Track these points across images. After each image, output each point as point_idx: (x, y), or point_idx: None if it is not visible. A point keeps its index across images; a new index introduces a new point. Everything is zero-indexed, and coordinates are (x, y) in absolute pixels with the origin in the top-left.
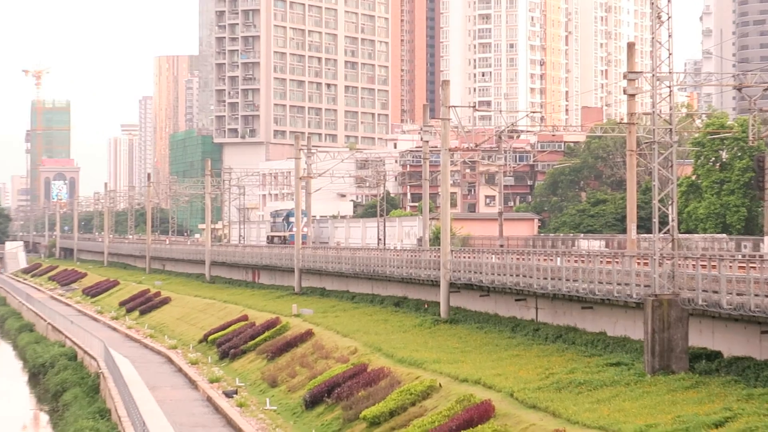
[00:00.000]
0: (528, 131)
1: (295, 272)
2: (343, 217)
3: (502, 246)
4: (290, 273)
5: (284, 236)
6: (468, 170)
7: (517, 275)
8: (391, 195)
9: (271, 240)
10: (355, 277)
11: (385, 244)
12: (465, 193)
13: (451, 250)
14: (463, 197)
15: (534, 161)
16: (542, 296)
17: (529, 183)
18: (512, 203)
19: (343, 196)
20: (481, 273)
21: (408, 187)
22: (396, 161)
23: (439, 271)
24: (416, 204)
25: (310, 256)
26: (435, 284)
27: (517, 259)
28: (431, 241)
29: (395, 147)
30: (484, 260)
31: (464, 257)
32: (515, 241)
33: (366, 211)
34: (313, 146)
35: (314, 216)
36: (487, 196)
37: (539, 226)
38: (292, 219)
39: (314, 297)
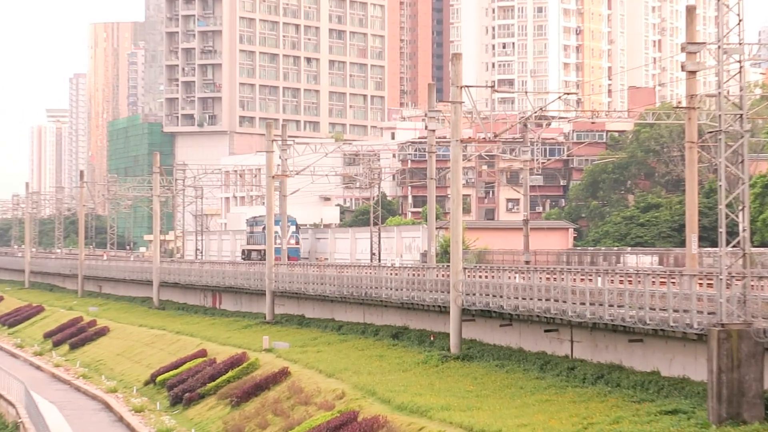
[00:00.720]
0: (561, 118)
1: (266, 296)
2: (327, 226)
3: (528, 263)
4: (260, 297)
5: (265, 250)
6: (485, 167)
7: (547, 300)
8: (388, 198)
9: (247, 255)
10: (342, 301)
11: (380, 259)
12: (481, 196)
13: (464, 268)
14: (479, 201)
15: (568, 155)
16: (579, 326)
17: (562, 183)
18: (541, 208)
19: (328, 199)
20: (501, 297)
21: (409, 188)
22: (394, 155)
23: (448, 295)
24: (419, 210)
25: (285, 276)
26: (443, 311)
27: (547, 279)
28: (438, 256)
29: (393, 137)
30: (506, 280)
31: (480, 277)
32: (544, 256)
33: (356, 218)
34: (290, 137)
35: (305, 225)
36: (509, 200)
37: (575, 238)
38: (276, 228)
39: (291, 327)
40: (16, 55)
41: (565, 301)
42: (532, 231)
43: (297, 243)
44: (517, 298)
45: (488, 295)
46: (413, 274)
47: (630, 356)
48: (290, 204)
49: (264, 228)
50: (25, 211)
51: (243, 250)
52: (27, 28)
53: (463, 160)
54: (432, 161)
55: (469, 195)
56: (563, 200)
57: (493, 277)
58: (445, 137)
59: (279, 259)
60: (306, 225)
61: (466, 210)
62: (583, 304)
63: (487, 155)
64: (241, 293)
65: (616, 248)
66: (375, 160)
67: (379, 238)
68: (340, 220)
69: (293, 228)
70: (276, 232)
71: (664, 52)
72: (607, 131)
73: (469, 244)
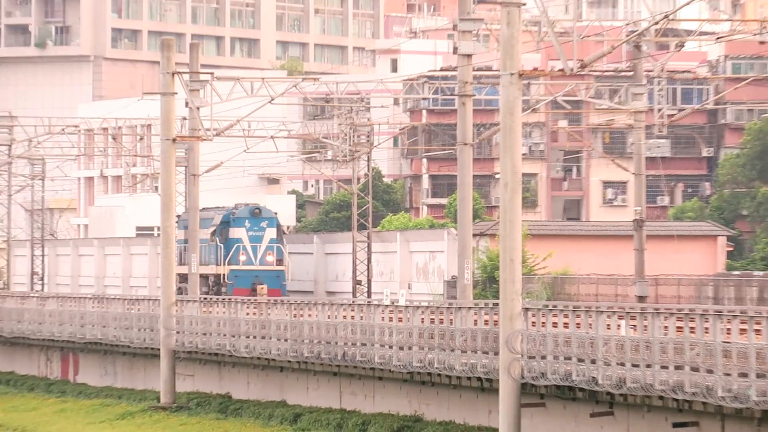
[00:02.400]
0: (703, 34)
1: (161, 360)
2: None
3: (642, 299)
4: (152, 361)
5: (221, 274)
6: (564, 123)
7: (678, 368)
8: (385, 180)
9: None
10: (300, 369)
11: (370, 290)
12: (557, 177)
13: (525, 309)
14: (553, 185)
15: (717, 103)
16: (737, 417)
17: (705, 153)
18: (667, 199)
19: (275, 182)
20: (594, 362)
21: (424, 162)
22: (396, 102)
23: (491, 356)
24: (442, 201)
25: (196, 322)
26: (487, 387)
27: (678, 330)
28: (479, 285)
29: (394, 69)
30: (600, 332)
31: (555, 325)
32: (674, 288)
33: (326, 216)
34: (205, 67)
35: (288, 226)
36: (607, 184)
37: (730, 252)
38: (239, 230)
39: (206, 418)
40: None
41: (711, 371)
42: (652, 241)
43: (278, 262)
44: (622, 364)
45: (569, 358)
46: (432, 319)
47: None
48: (206, 191)
49: (217, 231)
50: None
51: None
52: None
53: (525, 109)
54: (465, 112)
55: (534, 175)
56: (708, 184)
57: (578, 325)
58: (490, 68)
59: (245, 292)
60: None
61: (530, 202)
62: (744, 375)
63: (567, 101)
64: (115, 355)
65: None
66: (362, 110)
67: (370, 251)
68: (298, 220)
69: (270, 232)
70: (236, 242)
71: None
72: None
73: (535, 263)
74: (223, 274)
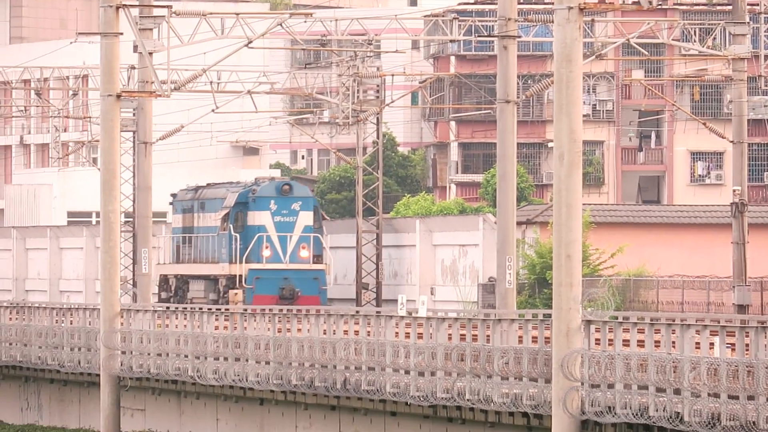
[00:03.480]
0: None
1: (101, 390)
2: None
3: (744, 309)
4: (88, 390)
5: (237, 276)
6: (639, 72)
7: None
8: (400, 150)
9: (170, 287)
10: (286, 402)
11: (379, 297)
12: (629, 146)
13: (586, 321)
14: (623, 157)
15: None
16: None
17: None
18: None
19: (254, 151)
20: (677, 391)
21: (452, 126)
22: (416, 45)
23: (541, 385)
24: (477, 178)
25: (146, 340)
26: (529, 426)
27: None
28: (525, 287)
29: (413, 2)
30: (685, 353)
31: (625, 342)
32: None
33: (321, 198)
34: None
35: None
36: (696, 155)
37: None
38: (262, 215)
39: None
40: None
41: None
42: (757, 231)
43: (316, 258)
44: (716, 395)
45: (645, 387)
46: (463, 335)
47: None
48: (162, 164)
49: (227, 217)
50: None
51: (162, 279)
52: None
53: (588, 55)
54: (508, 59)
55: (600, 143)
56: None
57: (657, 343)
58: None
59: (270, 299)
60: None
61: (595, 179)
62: None
63: (644, 45)
64: (39, 382)
65: None
66: (370, 56)
67: (380, 245)
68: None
69: (305, 217)
70: (257, 230)
71: None
72: None
73: (600, 260)
74: (240, 276)
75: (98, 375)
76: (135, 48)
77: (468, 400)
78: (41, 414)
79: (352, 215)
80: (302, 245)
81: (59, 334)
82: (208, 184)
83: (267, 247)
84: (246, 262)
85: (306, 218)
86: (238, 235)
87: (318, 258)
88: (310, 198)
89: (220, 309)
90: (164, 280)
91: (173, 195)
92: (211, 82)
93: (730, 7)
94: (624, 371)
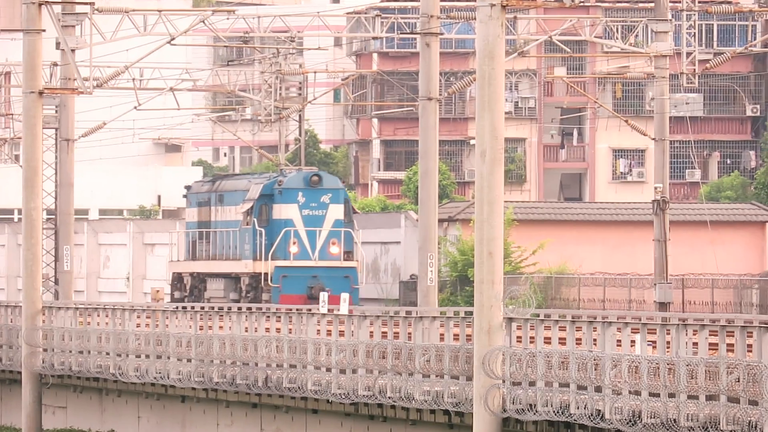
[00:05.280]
0: None
1: (23, 387)
2: (174, 212)
3: (665, 306)
4: (10, 388)
5: (262, 274)
6: (561, 69)
7: (713, 399)
8: (323, 147)
9: (185, 286)
10: (208, 400)
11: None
12: (551, 143)
13: (508, 318)
14: (545, 154)
15: (766, 44)
16: None
17: (749, 112)
18: (698, 172)
19: (176, 148)
20: (598, 388)
21: (374, 123)
22: (338, 43)
23: (463, 382)
24: (399, 175)
25: (67, 337)
26: (450, 424)
27: (712, 349)
28: (447, 285)
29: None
30: (606, 350)
31: (546, 340)
32: (706, 292)
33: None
34: None
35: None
36: (618, 152)
37: None
38: (289, 208)
39: None
40: None
41: (755, 402)
42: (678, 228)
43: (347, 255)
44: (637, 392)
45: (566, 385)
46: (384, 333)
47: None
48: (84, 161)
49: (250, 210)
50: None
51: (175, 277)
52: None
53: (511, 52)
54: (430, 56)
55: (522, 140)
56: (752, 153)
57: (579, 341)
58: None
59: (297, 299)
60: (123, 211)
61: (516, 176)
62: None
63: (567, 42)
64: None
65: None
66: (292, 53)
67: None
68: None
69: (335, 210)
70: (284, 224)
71: None
72: None
73: (522, 258)
74: (265, 274)
75: (20, 372)
76: (57, 45)
77: (389, 397)
78: None
79: None
80: (332, 241)
81: None
82: (226, 175)
83: (294, 243)
84: (272, 259)
85: (336, 212)
86: (263, 230)
87: (349, 254)
88: (341, 190)
89: (142, 307)
90: (178, 278)
91: (187, 187)
92: (133, 79)
93: (653, 5)
94: (545, 369)
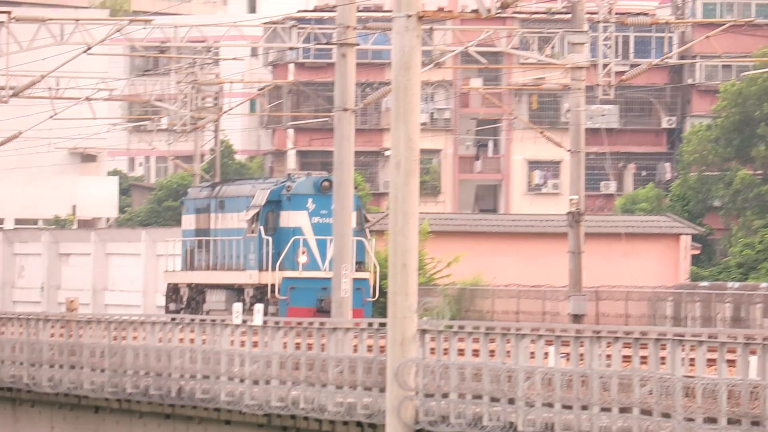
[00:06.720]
0: None
1: None
2: (88, 222)
3: (579, 319)
4: None
5: (268, 285)
6: (477, 80)
7: (626, 411)
8: (238, 157)
9: (182, 299)
10: (121, 410)
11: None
12: (466, 155)
13: (422, 330)
14: (461, 166)
15: (681, 56)
16: None
17: (665, 124)
18: (613, 185)
19: (91, 158)
20: (511, 400)
21: (290, 135)
22: (254, 53)
23: (376, 394)
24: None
25: None
26: None
27: (625, 361)
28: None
29: (252, 10)
30: (520, 362)
31: (460, 351)
32: (620, 304)
33: (158, 206)
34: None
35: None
36: (533, 164)
37: (696, 257)
38: (298, 215)
39: None
40: None
41: (667, 414)
42: (593, 241)
43: (359, 266)
44: (550, 404)
45: (480, 396)
46: (298, 344)
47: None
48: None
49: (256, 218)
50: None
51: (170, 288)
52: None
53: (427, 63)
54: (346, 67)
55: (437, 152)
56: (668, 165)
57: (492, 353)
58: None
59: (307, 312)
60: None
61: (431, 188)
62: (713, 420)
63: (482, 53)
64: None
65: None
66: (208, 63)
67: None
68: (122, 210)
69: (352, 219)
70: (293, 233)
71: None
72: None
73: (437, 270)
74: (272, 285)
75: None
76: None
77: (302, 408)
78: None
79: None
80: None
81: None
82: (227, 180)
83: (303, 253)
84: (280, 270)
85: (350, 220)
86: (270, 239)
87: (361, 265)
88: (353, 197)
89: (56, 317)
90: (173, 289)
91: (184, 194)
92: (49, 89)
93: (570, 16)
94: (458, 380)
